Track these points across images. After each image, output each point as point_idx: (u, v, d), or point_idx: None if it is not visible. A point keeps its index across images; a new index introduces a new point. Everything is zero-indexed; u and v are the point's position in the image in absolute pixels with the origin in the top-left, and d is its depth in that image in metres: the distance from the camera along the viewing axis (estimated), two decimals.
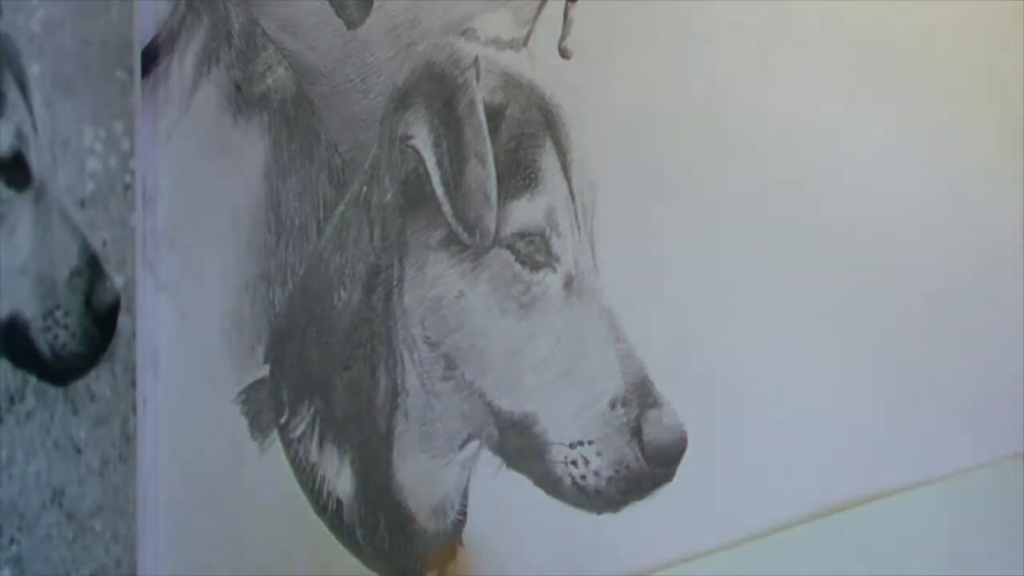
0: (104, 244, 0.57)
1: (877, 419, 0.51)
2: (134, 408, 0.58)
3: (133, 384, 0.58)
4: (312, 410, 0.58)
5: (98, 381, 0.57)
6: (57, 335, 0.55)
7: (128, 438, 0.58)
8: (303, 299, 0.59)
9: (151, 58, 0.61)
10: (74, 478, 0.55)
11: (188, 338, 0.60)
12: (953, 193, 0.50)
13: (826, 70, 0.52)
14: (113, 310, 0.57)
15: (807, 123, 0.52)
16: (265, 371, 0.59)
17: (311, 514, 0.57)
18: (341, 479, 0.57)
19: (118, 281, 0.58)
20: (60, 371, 0.55)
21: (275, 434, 0.58)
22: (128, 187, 0.58)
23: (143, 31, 0.62)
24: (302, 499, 0.58)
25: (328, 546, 0.57)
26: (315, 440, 0.58)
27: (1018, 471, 0.48)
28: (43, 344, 0.54)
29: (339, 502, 0.57)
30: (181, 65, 0.61)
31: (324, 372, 0.58)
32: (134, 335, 0.58)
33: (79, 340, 0.56)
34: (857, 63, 0.51)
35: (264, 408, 0.59)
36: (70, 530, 0.55)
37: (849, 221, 0.51)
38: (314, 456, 0.58)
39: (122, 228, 0.58)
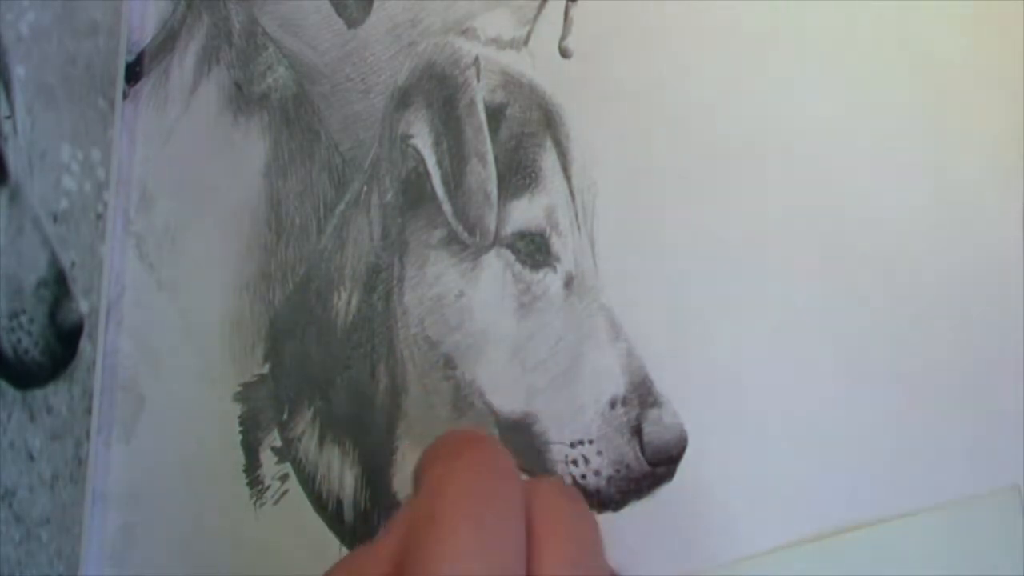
0: (72, 265, 0.57)
1: (874, 432, 0.50)
2: (88, 435, 0.58)
3: (89, 412, 0.58)
4: (312, 409, 0.58)
5: (56, 395, 0.57)
6: (20, 339, 0.55)
7: (80, 462, 0.58)
8: (303, 298, 0.59)
9: (137, 75, 0.61)
10: (25, 483, 0.55)
11: (188, 336, 0.60)
12: (953, 192, 0.50)
13: (826, 69, 0.52)
14: (76, 331, 0.57)
15: (808, 122, 0.52)
16: (265, 370, 0.59)
17: (311, 513, 0.57)
18: (341, 478, 0.57)
19: (83, 306, 0.57)
20: (20, 374, 0.55)
21: (275, 433, 0.58)
22: (100, 217, 0.58)
23: (143, 31, 0.62)
24: (302, 498, 0.58)
25: (328, 546, 0.57)
26: (315, 439, 0.58)
27: (1016, 503, 0.48)
28: (6, 343, 0.54)
29: (339, 501, 0.57)
30: (181, 64, 0.61)
31: (324, 371, 0.58)
32: (94, 364, 0.58)
33: (41, 350, 0.56)
34: (858, 61, 0.51)
35: (264, 407, 0.59)
36: (17, 532, 0.55)
37: (851, 222, 0.51)
38: (314, 455, 0.58)
39: (91, 256, 0.58)
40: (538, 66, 0.55)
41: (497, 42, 0.56)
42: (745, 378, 0.52)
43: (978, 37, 0.51)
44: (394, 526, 0.38)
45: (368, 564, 0.38)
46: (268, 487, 0.58)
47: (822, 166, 0.52)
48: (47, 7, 0.56)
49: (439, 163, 0.56)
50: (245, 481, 0.59)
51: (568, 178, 0.55)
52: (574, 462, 0.53)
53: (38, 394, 0.56)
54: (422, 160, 0.56)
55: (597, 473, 0.53)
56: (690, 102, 0.53)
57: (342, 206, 0.58)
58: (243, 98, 0.60)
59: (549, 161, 0.55)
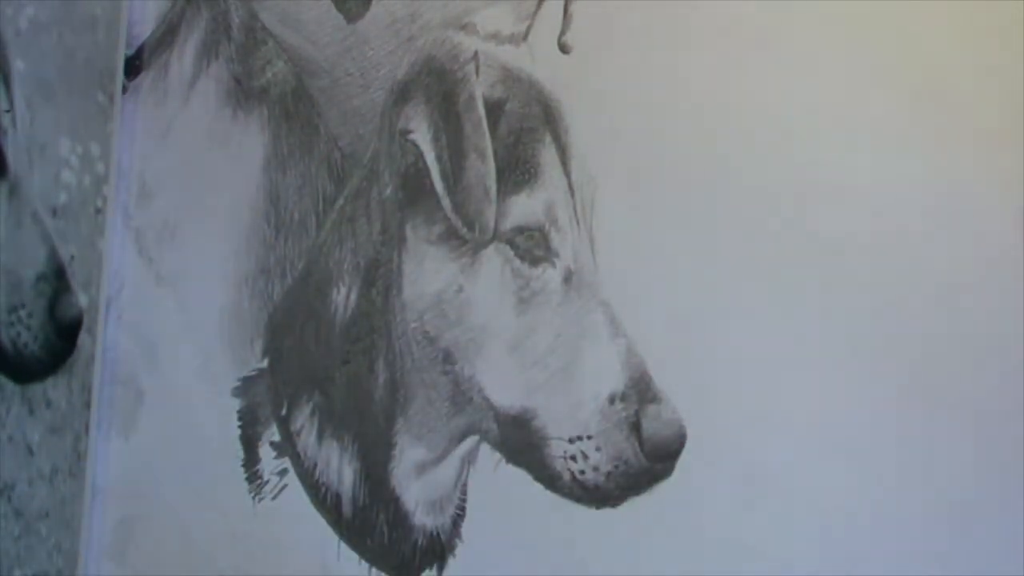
0: (72, 259, 0.57)
1: (873, 429, 0.50)
2: (87, 429, 0.58)
3: (87, 405, 0.58)
4: (311, 404, 0.58)
5: (55, 389, 0.57)
6: (20, 333, 0.55)
7: (79, 456, 0.58)
8: (302, 293, 0.59)
9: (136, 69, 0.61)
10: (24, 477, 0.55)
11: (187, 331, 0.60)
12: (953, 191, 0.50)
13: (826, 67, 0.52)
14: (76, 325, 0.57)
15: (807, 119, 0.52)
16: (264, 365, 0.59)
17: (310, 508, 0.57)
18: (340, 473, 0.57)
19: (83, 300, 0.58)
20: (19, 368, 0.55)
21: (274, 428, 0.59)
22: (99, 211, 0.59)
23: (142, 26, 0.62)
24: (301, 493, 0.58)
25: (326, 541, 0.57)
26: (314, 434, 0.58)
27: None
28: (5, 338, 0.54)
29: (338, 496, 0.57)
30: (181, 59, 0.61)
31: (323, 366, 0.58)
32: (93, 358, 0.58)
33: (40, 344, 0.56)
34: (857, 61, 0.51)
35: (262, 402, 0.59)
36: (17, 526, 0.55)
37: (849, 219, 0.51)
38: (313, 450, 0.58)
39: (91, 249, 0.58)
40: (538, 61, 0.55)
41: (496, 37, 0.56)
42: (744, 375, 0.52)
43: (978, 36, 0.51)
44: None
45: None
46: (267, 482, 0.59)
47: (821, 163, 0.52)
48: (46, 2, 0.56)
49: (438, 158, 0.56)
50: (244, 476, 0.59)
51: (567, 173, 0.55)
52: (573, 458, 0.53)
53: (37, 388, 0.56)
54: (421, 155, 0.56)
55: (596, 469, 0.53)
56: (689, 98, 0.53)
57: (341, 201, 0.58)
58: (242, 93, 0.60)
59: (548, 156, 0.55)
